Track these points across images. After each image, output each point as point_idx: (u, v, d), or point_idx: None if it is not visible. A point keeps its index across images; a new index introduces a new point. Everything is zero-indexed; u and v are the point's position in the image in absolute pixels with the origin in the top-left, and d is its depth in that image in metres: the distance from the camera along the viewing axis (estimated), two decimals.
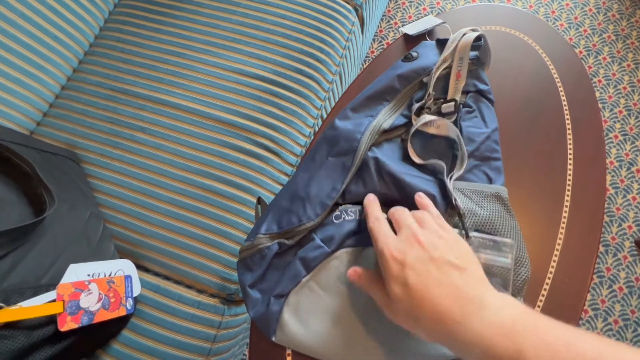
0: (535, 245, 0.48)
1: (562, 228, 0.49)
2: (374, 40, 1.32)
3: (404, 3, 1.35)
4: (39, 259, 0.47)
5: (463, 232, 0.40)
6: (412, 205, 0.42)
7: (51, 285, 0.47)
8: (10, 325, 0.41)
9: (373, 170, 0.45)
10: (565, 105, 0.54)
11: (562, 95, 0.55)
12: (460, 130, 0.47)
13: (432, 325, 0.29)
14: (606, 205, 1.07)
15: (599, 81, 1.18)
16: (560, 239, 0.49)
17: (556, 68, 0.56)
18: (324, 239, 0.44)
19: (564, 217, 0.49)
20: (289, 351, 0.46)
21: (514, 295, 0.41)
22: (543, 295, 0.46)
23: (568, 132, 0.53)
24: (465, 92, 0.50)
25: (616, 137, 1.12)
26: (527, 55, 0.58)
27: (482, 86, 0.50)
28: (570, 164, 0.52)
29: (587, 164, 0.51)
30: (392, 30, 1.33)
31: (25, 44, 0.65)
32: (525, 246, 0.43)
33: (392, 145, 0.48)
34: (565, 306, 0.47)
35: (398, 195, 0.44)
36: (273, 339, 0.42)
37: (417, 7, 1.34)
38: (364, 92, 0.50)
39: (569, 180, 0.51)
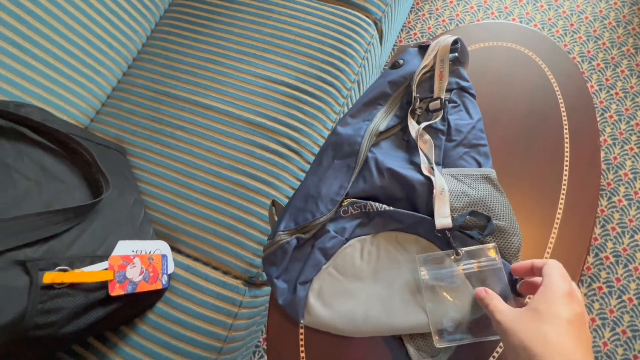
0: (528, 244, 0.53)
1: (555, 229, 0.54)
2: (392, 49, 1.38)
3: (423, 15, 1.41)
4: (95, 234, 0.55)
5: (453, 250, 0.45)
6: (410, 195, 0.48)
7: (104, 257, 0.55)
8: (73, 286, 0.49)
9: (374, 169, 0.51)
10: (564, 116, 0.59)
11: (562, 106, 0.59)
12: (448, 124, 0.53)
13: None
14: (618, 217, 1.08)
15: (616, 93, 1.20)
16: (552, 238, 0.53)
17: (557, 81, 0.61)
18: (337, 231, 0.51)
19: (557, 219, 0.54)
20: (302, 325, 0.52)
21: (509, 260, 0.46)
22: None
23: (566, 139, 0.57)
24: (449, 90, 0.56)
25: (632, 149, 1.13)
26: (530, 69, 0.62)
27: (463, 83, 0.56)
28: (566, 169, 0.56)
29: (583, 169, 0.56)
30: (412, 40, 1.38)
31: (85, 49, 0.75)
32: (515, 218, 0.48)
33: (388, 143, 0.54)
34: None
35: (397, 187, 0.50)
36: (302, 321, 0.48)
37: (436, 19, 1.39)
38: (361, 99, 0.57)
39: (564, 183, 0.55)
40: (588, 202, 0.54)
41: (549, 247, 0.52)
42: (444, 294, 0.45)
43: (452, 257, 0.45)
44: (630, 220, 1.07)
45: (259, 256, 0.69)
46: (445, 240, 0.47)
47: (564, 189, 0.55)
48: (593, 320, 1.01)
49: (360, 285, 0.48)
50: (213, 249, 0.69)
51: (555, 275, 0.34)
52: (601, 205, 1.10)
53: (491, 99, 0.61)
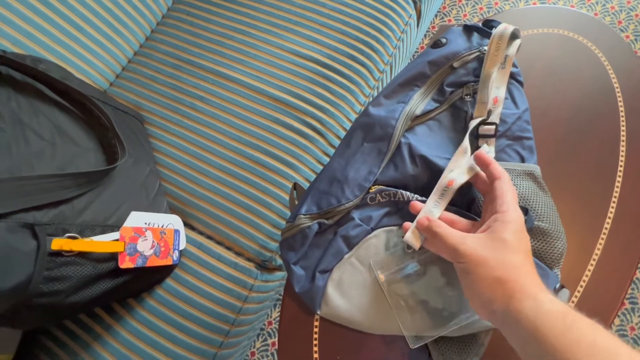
0: (572, 252, 0.48)
1: (603, 238, 0.49)
2: (425, 36, 1.31)
3: (460, 0, 1.33)
4: (107, 202, 0.52)
5: None
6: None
7: (115, 227, 0.52)
8: (82, 255, 0.47)
9: (406, 155, 0.47)
10: (622, 116, 0.53)
11: (620, 105, 0.54)
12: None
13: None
14: None
15: None
16: (599, 248, 0.49)
17: (617, 77, 0.55)
18: (362, 219, 0.47)
19: (606, 227, 0.49)
20: (317, 316, 0.49)
21: (551, 267, 0.43)
22: (573, 302, 0.47)
23: (622, 142, 0.52)
24: None
25: None
26: (587, 61, 0.57)
27: (512, 69, 0.50)
28: (619, 175, 0.51)
29: (638, 178, 0.51)
30: (456, 9, 1.31)
31: (109, 9, 0.72)
32: (560, 221, 0.44)
33: (423, 128, 0.49)
34: (595, 315, 0.47)
35: (428, 176, 0.46)
36: (318, 312, 0.45)
37: (473, 6, 1.31)
38: (395, 79, 0.51)
39: (616, 190, 0.50)
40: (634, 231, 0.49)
41: (594, 258, 0.48)
42: (407, 291, 0.43)
43: (408, 250, 0.44)
44: None
45: (274, 240, 0.65)
46: None
47: (615, 196, 0.50)
48: None
49: (384, 274, 0.45)
50: (227, 228, 0.66)
51: (511, 199, 0.34)
52: None
53: (541, 89, 0.56)
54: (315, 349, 0.47)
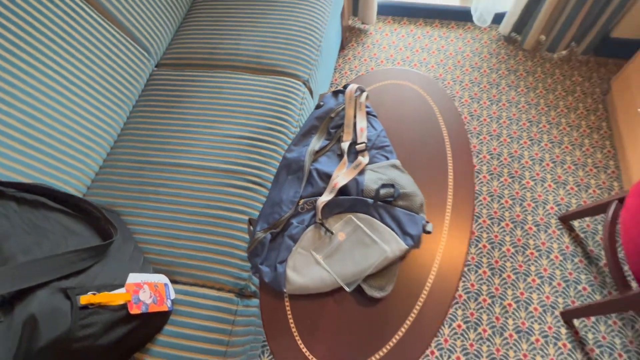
0: (433, 203, 0.73)
1: (450, 195, 0.76)
2: (330, 87, 1.67)
3: (350, 58, 1.73)
4: (111, 270, 0.69)
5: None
6: (343, 189, 0.69)
7: (120, 285, 0.69)
8: (102, 306, 0.63)
9: (316, 176, 0.73)
10: (444, 131, 0.84)
11: (442, 124, 0.84)
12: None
13: None
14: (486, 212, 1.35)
15: (485, 120, 1.54)
16: (450, 199, 0.75)
17: (439, 110, 0.86)
18: (299, 222, 0.70)
19: (450, 190, 0.76)
20: (285, 295, 0.67)
21: (417, 213, 0.68)
22: (446, 230, 0.71)
23: (447, 145, 0.82)
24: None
25: (505, 158, 1.44)
26: (418, 99, 0.88)
27: (367, 109, 0.81)
28: (449, 159, 0.80)
29: (462, 165, 0.79)
30: (345, 79, 1.69)
31: (75, 139, 0.93)
32: (417, 186, 0.70)
33: (324, 157, 0.77)
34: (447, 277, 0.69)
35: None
36: (285, 290, 0.65)
37: (359, 60, 1.73)
38: (299, 132, 0.80)
39: (450, 173, 0.78)
40: (467, 185, 0.77)
41: (449, 204, 0.74)
42: (339, 258, 0.66)
43: (331, 235, 0.67)
44: (539, 195, 1.34)
45: (244, 270, 0.84)
46: (374, 209, 0.67)
47: (450, 175, 0.78)
48: (535, 279, 1.21)
49: (321, 255, 0.67)
50: (205, 272, 0.83)
51: None
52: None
53: (390, 119, 0.86)
54: (291, 320, 0.65)
